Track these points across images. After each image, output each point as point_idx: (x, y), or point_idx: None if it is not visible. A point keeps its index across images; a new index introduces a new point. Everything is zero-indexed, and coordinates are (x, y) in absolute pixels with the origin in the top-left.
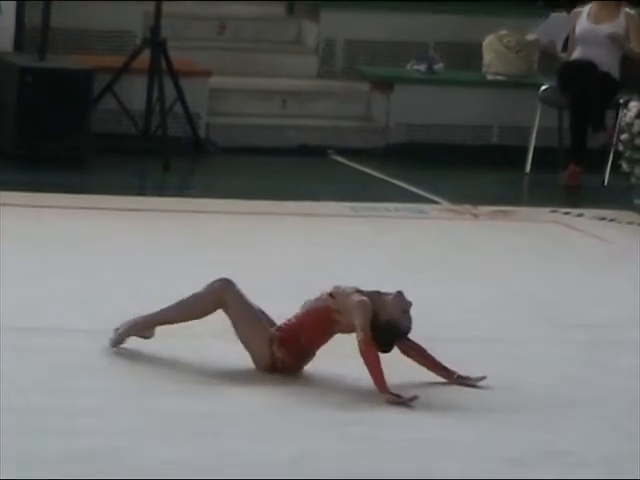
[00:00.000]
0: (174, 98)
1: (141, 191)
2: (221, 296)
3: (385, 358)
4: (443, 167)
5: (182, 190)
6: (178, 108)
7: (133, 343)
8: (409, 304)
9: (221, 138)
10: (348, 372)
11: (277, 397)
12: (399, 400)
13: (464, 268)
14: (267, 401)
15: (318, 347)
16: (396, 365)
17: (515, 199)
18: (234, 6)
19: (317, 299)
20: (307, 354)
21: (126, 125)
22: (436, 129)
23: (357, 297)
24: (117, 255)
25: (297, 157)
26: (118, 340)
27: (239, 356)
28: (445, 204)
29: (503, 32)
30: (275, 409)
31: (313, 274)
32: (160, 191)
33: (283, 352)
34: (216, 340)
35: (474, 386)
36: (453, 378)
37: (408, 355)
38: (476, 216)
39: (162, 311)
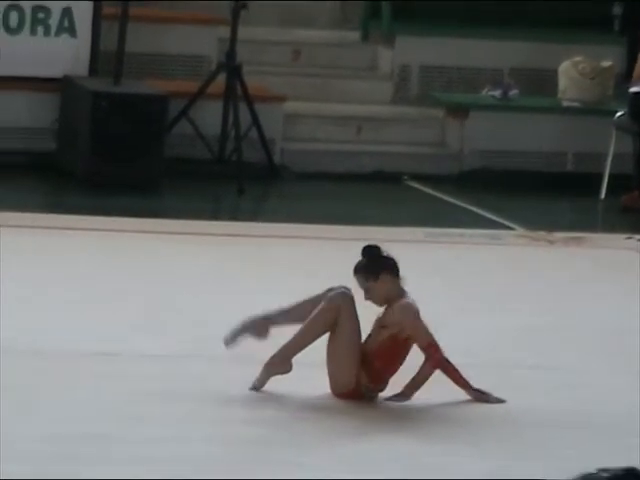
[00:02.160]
0: (249, 123)
1: (215, 216)
2: (339, 304)
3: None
4: (518, 193)
5: (256, 215)
6: (253, 133)
7: (210, 368)
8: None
9: (295, 163)
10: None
11: (357, 424)
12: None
13: (537, 294)
14: (348, 429)
15: (392, 371)
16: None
17: (590, 226)
18: (309, 32)
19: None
20: (381, 380)
21: (201, 150)
22: (511, 155)
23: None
24: (191, 280)
25: (372, 183)
26: (260, 384)
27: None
28: (520, 230)
29: (578, 59)
30: (355, 436)
31: None
32: (234, 216)
33: (366, 376)
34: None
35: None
36: (475, 393)
37: (444, 370)
38: (551, 242)
39: (292, 340)
